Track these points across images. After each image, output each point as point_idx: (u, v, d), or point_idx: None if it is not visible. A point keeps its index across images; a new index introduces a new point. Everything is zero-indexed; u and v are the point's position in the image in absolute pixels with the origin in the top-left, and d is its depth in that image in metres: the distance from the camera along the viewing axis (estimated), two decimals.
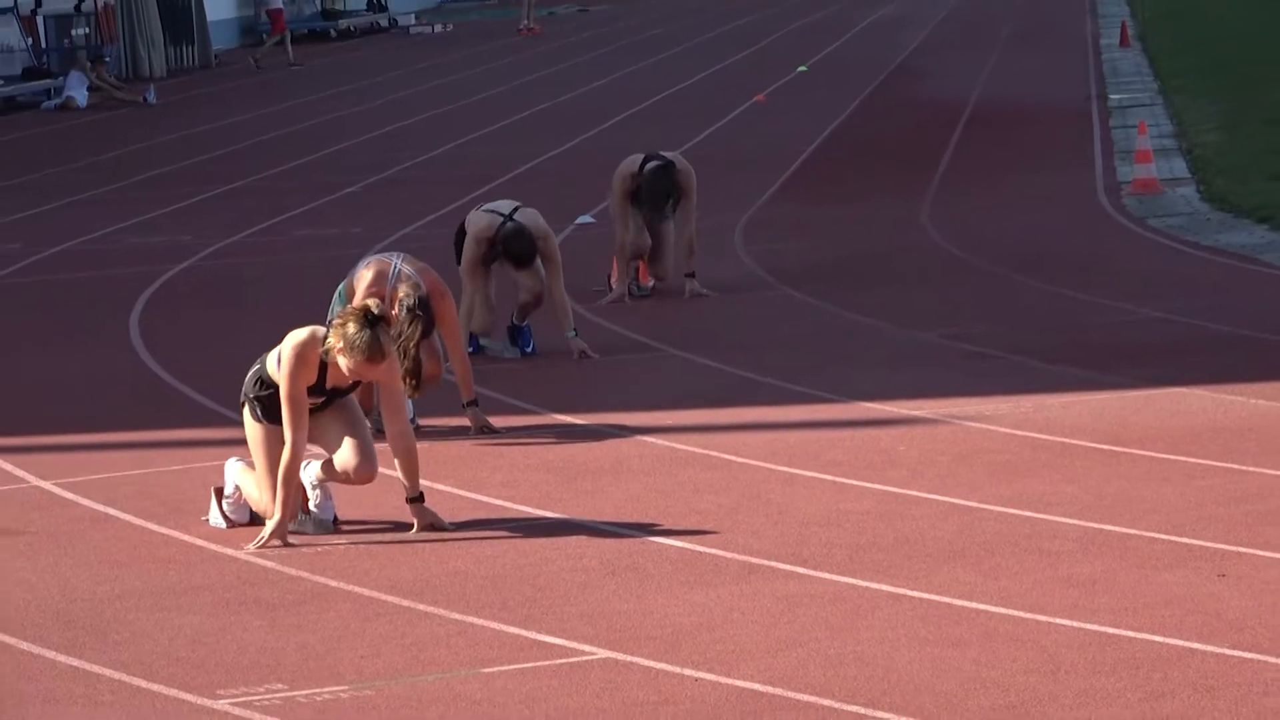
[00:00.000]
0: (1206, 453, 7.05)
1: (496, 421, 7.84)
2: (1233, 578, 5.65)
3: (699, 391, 8.41)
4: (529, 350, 9.29)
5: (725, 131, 18.42)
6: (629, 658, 5.20)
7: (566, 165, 16.46)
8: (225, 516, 6.64)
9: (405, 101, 22.90)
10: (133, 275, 12.07)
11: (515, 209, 8.88)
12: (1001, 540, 6.12)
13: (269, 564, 6.20)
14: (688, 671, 5.08)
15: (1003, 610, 5.44)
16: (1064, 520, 6.30)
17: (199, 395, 8.70)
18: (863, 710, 4.77)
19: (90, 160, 18.68)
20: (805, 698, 4.86)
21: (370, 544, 6.40)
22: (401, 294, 7.18)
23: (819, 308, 10.26)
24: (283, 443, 6.33)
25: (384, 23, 36.07)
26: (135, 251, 13.10)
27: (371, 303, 6.40)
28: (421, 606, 5.71)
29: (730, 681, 5.00)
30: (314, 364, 6.38)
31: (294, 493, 6.41)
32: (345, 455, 6.46)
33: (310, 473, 6.54)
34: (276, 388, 6.40)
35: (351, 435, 6.47)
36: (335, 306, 7.73)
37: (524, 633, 5.43)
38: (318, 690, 5.07)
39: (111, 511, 6.88)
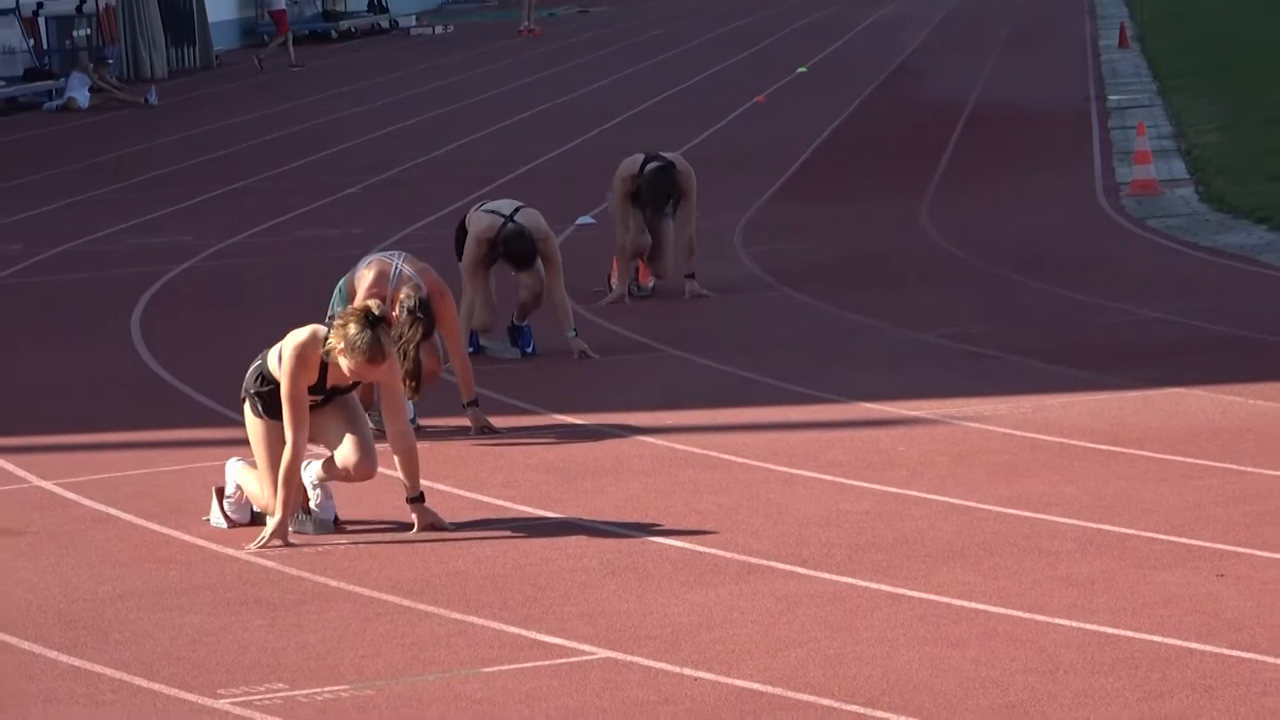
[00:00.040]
0: (1205, 453, 7.06)
1: (497, 422, 7.85)
2: (1231, 578, 5.67)
3: (699, 392, 8.42)
4: (529, 350, 9.30)
5: (725, 132, 18.43)
6: (629, 657, 5.21)
7: (567, 166, 16.47)
8: (226, 516, 6.65)
9: (406, 102, 22.91)
10: (134, 276, 12.08)
11: (516, 210, 8.89)
12: (1000, 540, 6.13)
13: (270, 564, 6.21)
14: (687, 671, 5.09)
15: (1002, 610, 5.45)
16: (1063, 520, 6.32)
17: (200, 395, 8.72)
18: (862, 710, 4.78)
19: (91, 161, 18.69)
20: (805, 697, 4.88)
21: (371, 544, 6.41)
22: (402, 296, 7.19)
23: (818, 308, 10.27)
24: (283, 438, 6.35)
25: (385, 24, 36.09)
26: (136, 252, 13.12)
27: (372, 304, 6.41)
28: (422, 606, 5.72)
29: (730, 681, 5.01)
30: (315, 364, 6.40)
31: (295, 493, 6.42)
32: (345, 452, 6.47)
33: (311, 472, 6.56)
34: (277, 384, 6.41)
35: (352, 432, 6.49)
36: (335, 302, 7.76)
37: (524, 632, 5.44)
38: (318, 690, 5.08)
39: (113, 511, 6.89)
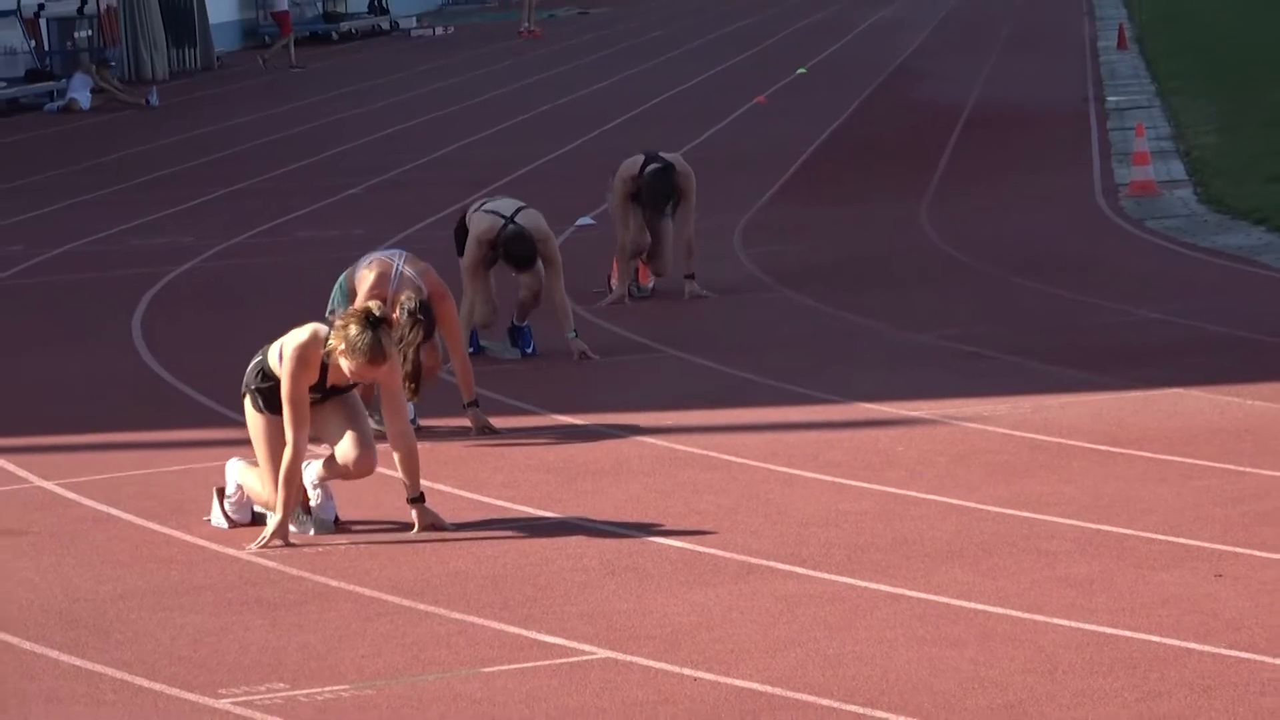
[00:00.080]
0: (1203, 453, 7.07)
1: (497, 422, 7.87)
2: (1229, 578, 5.68)
3: (698, 392, 8.44)
4: (529, 351, 9.32)
5: (725, 133, 18.45)
6: (629, 657, 5.22)
7: (567, 167, 16.48)
8: (227, 516, 6.66)
9: (406, 104, 22.92)
10: (135, 276, 12.09)
11: (517, 210, 8.90)
12: (999, 540, 6.15)
13: (270, 564, 6.22)
14: (687, 671, 5.10)
15: (1000, 610, 5.46)
16: (1061, 520, 6.33)
17: (201, 396, 8.73)
18: (861, 710, 4.79)
19: (93, 162, 18.70)
20: (804, 697, 4.88)
21: (371, 544, 6.43)
22: (403, 298, 7.21)
23: (818, 309, 10.28)
24: (283, 433, 6.36)
25: (385, 25, 36.09)
26: (137, 253, 13.13)
27: (373, 305, 6.43)
28: (422, 606, 5.73)
29: (729, 681, 5.02)
30: (316, 364, 6.41)
31: (295, 493, 6.44)
32: (345, 447, 6.49)
33: (311, 472, 6.57)
34: (277, 380, 6.43)
35: (352, 428, 6.50)
36: (335, 297, 7.79)
37: (524, 632, 5.45)
38: (319, 689, 5.09)
39: (114, 511, 6.91)
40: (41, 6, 27.10)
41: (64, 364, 9.76)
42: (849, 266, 11.47)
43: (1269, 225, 12.14)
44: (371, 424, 6.77)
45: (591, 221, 12.99)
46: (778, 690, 4.94)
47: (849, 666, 5.07)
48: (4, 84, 25.09)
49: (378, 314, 6.35)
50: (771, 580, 5.83)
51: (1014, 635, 5.26)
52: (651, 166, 10.29)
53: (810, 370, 8.73)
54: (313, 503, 6.59)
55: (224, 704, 5.02)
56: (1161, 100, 19.28)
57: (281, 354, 6.45)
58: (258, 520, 6.63)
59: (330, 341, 6.37)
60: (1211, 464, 6.94)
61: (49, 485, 7.34)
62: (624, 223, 10.40)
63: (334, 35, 34.38)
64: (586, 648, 5.31)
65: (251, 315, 10.57)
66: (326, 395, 6.51)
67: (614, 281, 10.57)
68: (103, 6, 27.79)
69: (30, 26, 26.61)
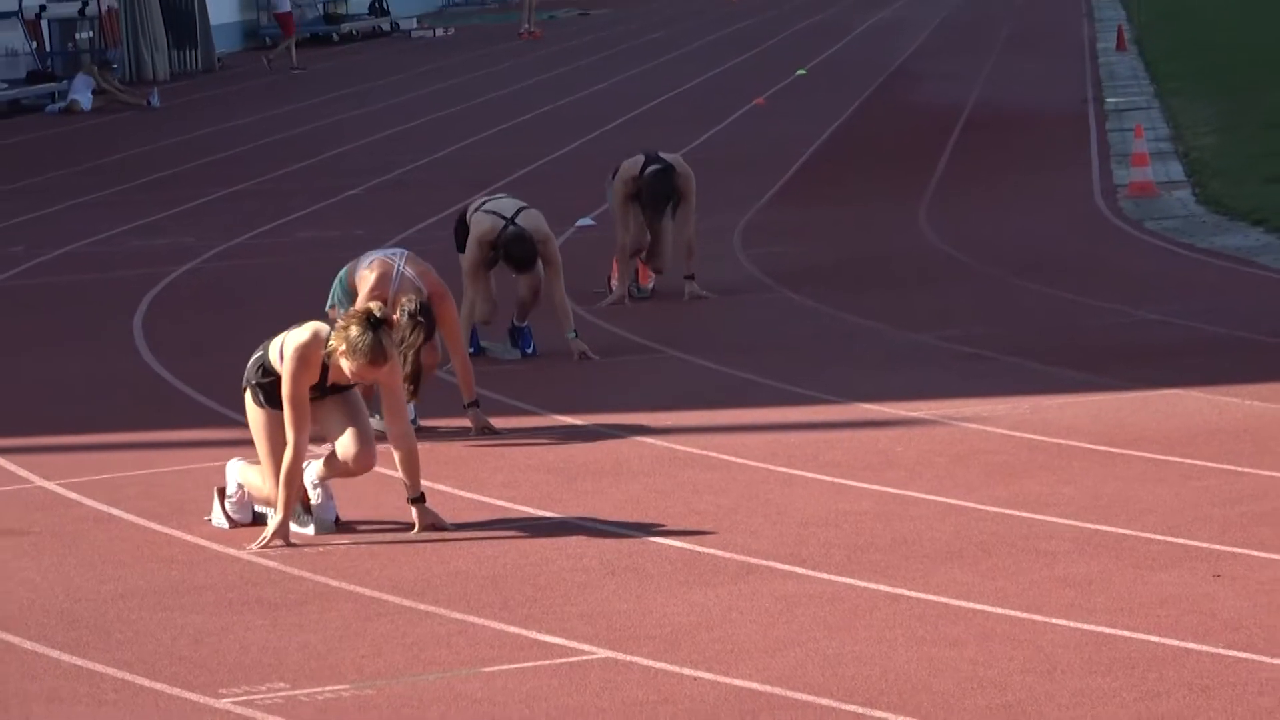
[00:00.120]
0: (1202, 454, 7.09)
1: (497, 422, 7.88)
2: (1228, 578, 5.69)
3: (698, 393, 8.45)
4: (529, 352, 9.33)
5: (725, 134, 18.46)
6: (628, 657, 5.23)
7: (567, 168, 16.49)
8: (228, 516, 6.68)
9: (407, 105, 22.93)
10: (136, 277, 12.11)
11: (518, 212, 8.91)
12: (998, 541, 6.16)
13: (271, 564, 6.24)
14: (687, 671, 5.11)
15: (999, 610, 5.48)
16: (1060, 521, 6.34)
17: (201, 396, 8.74)
18: (860, 709, 4.81)
19: (94, 163, 18.72)
20: (803, 697, 4.90)
21: (372, 544, 6.44)
22: (403, 300, 7.22)
23: (818, 310, 10.30)
24: (283, 427, 6.37)
25: (386, 26, 36.10)
26: (138, 254, 13.14)
27: (374, 306, 6.44)
28: (423, 606, 5.74)
29: (729, 681, 5.03)
30: (316, 365, 6.43)
31: (296, 493, 6.46)
32: (345, 443, 6.51)
33: (311, 472, 6.59)
34: (277, 376, 6.45)
35: (352, 423, 6.52)
36: (335, 292, 7.82)
37: (524, 632, 5.46)
38: (319, 689, 5.10)
39: (115, 512, 6.92)
40: (43, 8, 27.11)
41: (65, 364, 9.77)
42: (849, 267, 11.48)
43: (1267, 226, 12.16)
44: (373, 424, 6.78)
45: (592, 222, 13.00)
46: (777, 690, 4.95)
47: (848, 666, 5.09)
48: (5, 85, 25.09)
49: (379, 315, 6.36)
50: (771, 580, 5.85)
51: (1013, 635, 5.28)
52: (652, 168, 10.30)
53: (810, 371, 8.74)
54: (313, 502, 6.60)
55: (225, 704, 5.03)
56: (1160, 101, 19.30)
57: (282, 352, 6.47)
58: (258, 520, 6.64)
59: (331, 342, 6.39)
60: (1210, 464, 6.96)
61: (50, 485, 7.35)
62: (624, 224, 10.41)
63: (334, 36, 34.40)
64: (586, 647, 5.32)
65: (252, 316, 10.58)
66: (327, 393, 6.53)
67: (614, 282, 10.58)
68: (104, 8, 27.81)
69: (31, 28, 26.63)
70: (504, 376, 8.82)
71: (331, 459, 6.58)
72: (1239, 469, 6.89)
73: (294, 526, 6.49)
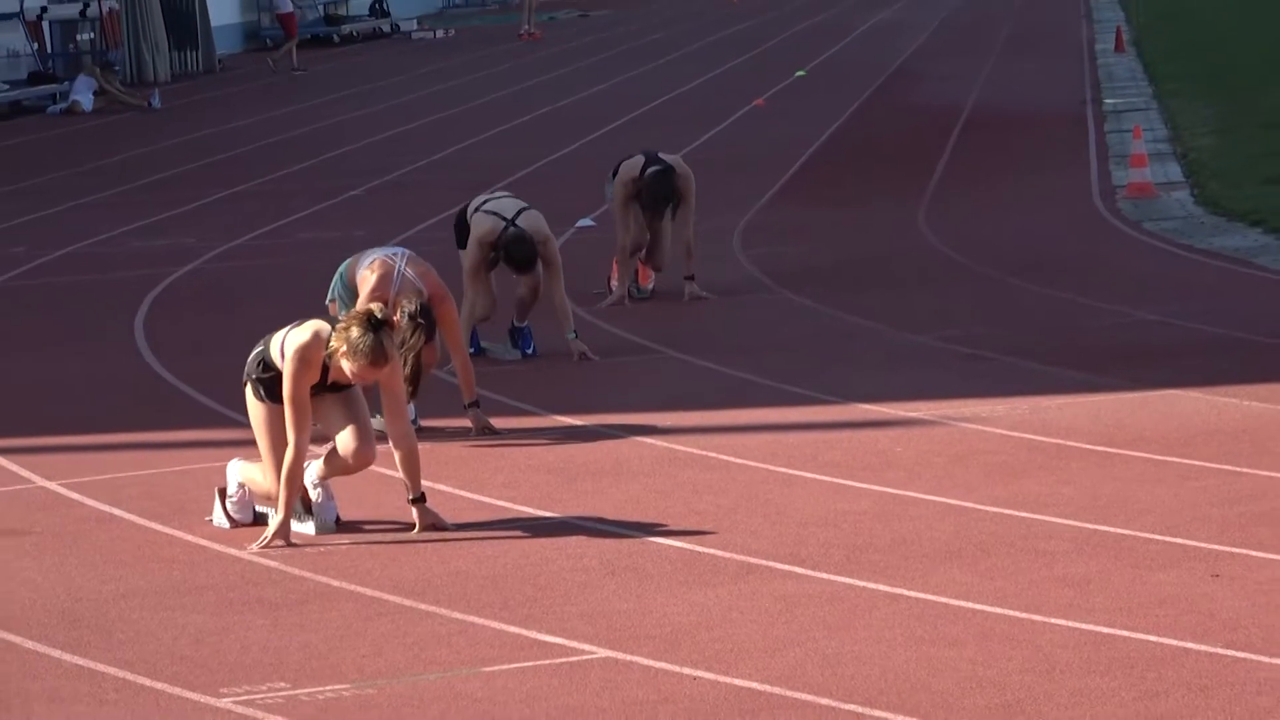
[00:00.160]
0: (1201, 454, 7.10)
1: (497, 423, 7.89)
2: (1226, 578, 5.70)
3: (698, 393, 8.47)
4: (529, 352, 9.35)
5: (725, 135, 18.47)
6: (628, 657, 5.25)
7: (567, 169, 16.51)
8: (229, 516, 6.69)
9: (407, 106, 22.95)
10: (137, 278, 12.12)
11: (518, 212, 8.92)
12: (997, 541, 6.17)
13: (272, 564, 6.25)
14: (686, 670, 5.13)
15: (998, 610, 5.49)
16: (1059, 521, 6.35)
17: (202, 397, 8.76)
18: (860, 709, 4.82)
19: (95, 164, 18.73)
20: (803, 696, 4.91)
21: (372, 544, 6.45)
22: (403, 301, 7.23)
23: (817, 310, 10.31)
24: (284, 421, 6.39)
25: (386, 28, 36.11)
26: (139, 254, 13.15)
27: (375, 307, 6.46)
28: (423, 606, 5.76)
29: (729, 680, 5.04)
30: (317, 365, 6.44)
31: (296, 493, 6.47)
32: (345, 438, 6.52)
33: (312, 472, 6.60)
34: (277, 371, 6.46)
35: (352, 418, 6.54)
36: (336, 286, 7.85)
37: (524, 632, 5.48)
38: (320, 689, 5.11)
39: (116, 512, 6.93)
40: (44, 9, 27.13)
41: (66, 365, 9.78)
42: (848, 268, 11.49)
43: (1266, 227, 12.18)
44: (374, 424, 6.79)
45: (592, 223, 13.02)
46: (777, 689, 4.96)
47: (848, 666, 5.10)
48: (7, 86, 25.10)
49: (380, 317, 6.38)
50: (770, 580, 5.86)
51: (1012, 635, 5.29)
52: (652, 169, 10.31)
53: (809, 371, 8.76)
54: (314, 502, 6.62)
55: (226, 703, 5.04)
56: (1159, 103, 19.32)
57: (283, 349, 6.48)
58: (259, 520, 6.66)
59: (332, 343, 6.40)
60: (1209, 465, 6.97)
61: (51, 485, 7.36)
62: (624, 225, 10.42)
63: (335, 38, 34.40)
64: (586, 647, 5.33)
65: (253, 316, 10.58)
66: (327, 391, 6.55)
67: (614, 283, 10.60)
68: (105, 9, 27.82)
69: (33, 29, 26.64)
70: (504, 377, 8.84)
71: (331, 457, 6.59)
72: (1237, 469, 6.90)
73: (295, 526, 6.50)
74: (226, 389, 7.96)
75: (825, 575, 5.88)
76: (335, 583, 6.03)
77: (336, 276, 7.90)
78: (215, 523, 6.71)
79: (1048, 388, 8.22)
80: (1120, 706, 4.76)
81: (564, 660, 5.24)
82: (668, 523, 6.51)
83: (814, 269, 11.43)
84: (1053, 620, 5.38)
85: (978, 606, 5.53)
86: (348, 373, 6.42)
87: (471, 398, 7.85)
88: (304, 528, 6.57)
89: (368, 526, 6.64)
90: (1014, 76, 22.80)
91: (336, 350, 6.38)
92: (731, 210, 13.60)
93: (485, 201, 9.04)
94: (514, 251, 8.82)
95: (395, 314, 6.86)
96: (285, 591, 5.96)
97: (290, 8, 29.31)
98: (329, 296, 7.90)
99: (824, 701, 4.87)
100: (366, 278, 7.72)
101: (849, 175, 15.70)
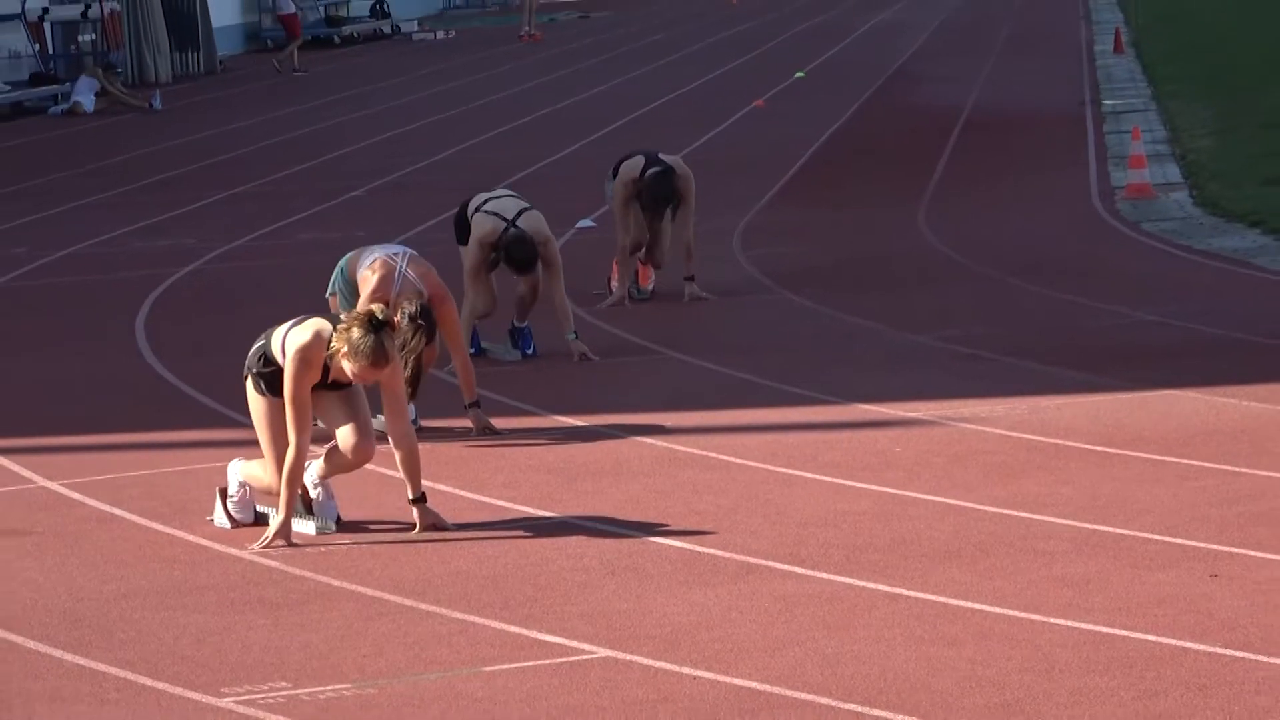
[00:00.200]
0: (1200, 454, 7.11)
1: (498, 423, 7.91)
2: (1225, 578, 5.72)
3: (698, 393, 8.48)
4: (530, 352, 9.36)
5: (725, 136, 18.49)
6: (628, 656, 5.26)
7: (567, 170, 16.52)
8: (230, 516, 6.71)
9: (407, 107, 22.96)
10: (138, 278, 12.13)
11: (519, 213, 8.93)
12: (996, 541, 6.19)
13: (273, 564, 6.26)
14: (686, 670, 5.14)
15: (998, 610, 5.50)
16: (1058, 521, 6.37)
17: (203, 397, 8.77)
18: (859, 708, 4.83)
19: (96, 165, 18.74)
20: (803, 696, 4.92)
21: (373, 544, 6.47)
22: (404, 303, 7.25)
23: (817, 311, 10.32)
24: (284, 414, 6.40)
25: (387, 29, 36.12)
26: (141, 255, 13.17)
27: (376, 308, 6.47)
28: (424, 606, 5.77)
29: (728, 680, 5.06)
30: (318, 365, 6.46)
31: (297, 492, 6.49)
32: (344, 433, 6.54)
33: (313, 471, 6.62)
34: (278, 366, 6.48)
35: (352, 414, 6.55)
36: (336, 280, 7.88)
37: (525, 632, 5.49)
38: (321, 688, 5.13)
39: (117, 512, 6.95)
40: (46, 10, 27.13)
41: (68, 365, 9.80)
42: (848, 268, 11.51)
43: (1264, 228, 12.19)
44: (375, 424, 6.81)
45: (592, 224, 13.03)
46: (777, 689, 4.97)
47: (847, 666, 5.11)
48: (8, 87, 25.10)
49: (381, 318, 6.39)
50: (770, 580, 5.87)
51: (1011, 634, 5.30)
52: (652, 170, 10.32)
53: (809, 371, 8.77)
54: (315, 502, 6.63)
55: (227, 703, 5.06)
56: (1157, 104, 19.33)
57: (284, 347, 6.50)
58: (260, 520, 6.67)
59: (333, 344, 6.42)
60: (1207, 465, 6.98)
61: (53, 485, 7.38)
62: (624, 225, 10.44)
63: (336, 39, 34.41)
64: (587, 647, 5.34)
65: (253, 317, 10.55)
66: (328, 388, 6.56)
67: (614, 283, 10.61)
68: (106, 10, 27.83)
69: (34, 30, 26.65)
70: (504, 377, 8.85)
71: (331, 453, 6.61)
72: (1236, 469, 6.91)
73: (296, 526, 6.52)
74: (227, 389, 7.98)
75: (825, 575, 5.89)
76: (336, 582, 6.04)
77: (337, 270, 7.93)
78: (216, 523, 6.72)
79: (1047, 388, 8.24)
80: (1119, 706, 4.77)
81: (564, 660, 5.25)
82: (668, 523, 6.52)
83: (814, 269, 11.44)
84: (1052, 620, 5.39)
85: (977, 606, 5.54)
86: (348, 373, 6.43)
87: (472, 398, 7.86)
88: (305, 528, 6.59)
89: (368, 526, 6.66)
90: (1013, 77, 22.81)
91: (338, 351, 6.40)
92: (731, 211, 13.62)
93: (486, 201, 9.04)
94: (514, 253, 8.83)
95: (396, 315, 6.88)
96: (286, 591, 5.98)
97: (293, 9, 29.32)
98: (329, 290, 7.94)
99: (824, 701, 4.88)
100: (368, 278, 7.73)
101: (849, 176, 15.72)
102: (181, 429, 8.21)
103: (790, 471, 7.12)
